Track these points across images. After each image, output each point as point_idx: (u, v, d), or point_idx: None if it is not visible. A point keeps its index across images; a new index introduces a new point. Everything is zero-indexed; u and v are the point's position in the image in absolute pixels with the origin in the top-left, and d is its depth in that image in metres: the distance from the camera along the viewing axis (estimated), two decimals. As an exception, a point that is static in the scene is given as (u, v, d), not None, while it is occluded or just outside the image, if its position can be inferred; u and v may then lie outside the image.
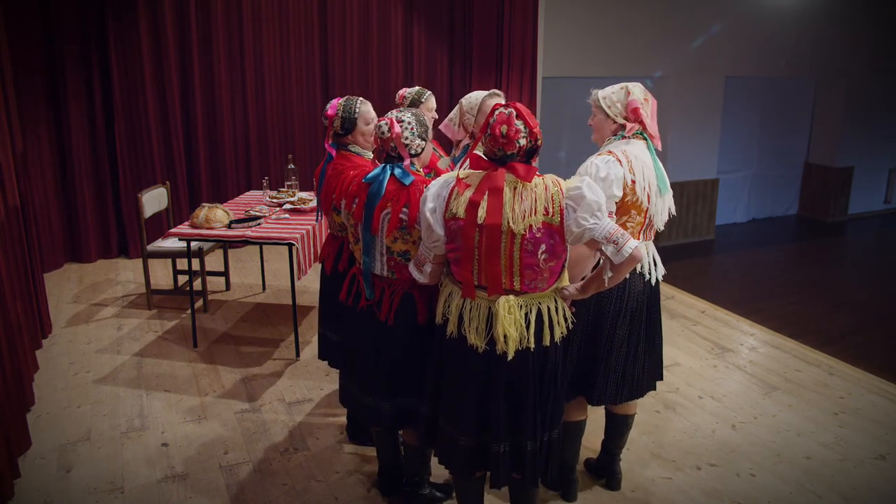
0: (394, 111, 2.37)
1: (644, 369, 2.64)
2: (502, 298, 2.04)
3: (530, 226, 1.98)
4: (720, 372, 3.97)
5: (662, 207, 2.51)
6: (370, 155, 2.80)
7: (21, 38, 5.08)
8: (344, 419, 3.32)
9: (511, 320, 2.03)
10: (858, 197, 10.02)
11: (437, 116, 3.33)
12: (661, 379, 2.78)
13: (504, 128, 2.01)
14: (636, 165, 2.39)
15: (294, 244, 3.71)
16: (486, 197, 2.02)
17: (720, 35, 8.07)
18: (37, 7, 5.26)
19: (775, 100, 9.45)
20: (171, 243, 4.59)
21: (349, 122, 2.71)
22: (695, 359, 4.14)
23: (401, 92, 3.31)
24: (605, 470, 2.88)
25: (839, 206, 9.91)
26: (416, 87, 3.29)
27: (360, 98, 2.80)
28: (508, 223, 1.99)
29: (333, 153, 2.73)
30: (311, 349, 4.11)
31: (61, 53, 5.42)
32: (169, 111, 5.87)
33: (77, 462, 2.99)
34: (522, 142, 2.02)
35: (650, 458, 3.08)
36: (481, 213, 2.01)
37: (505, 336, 2.03)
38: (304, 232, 3.83)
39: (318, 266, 4.89)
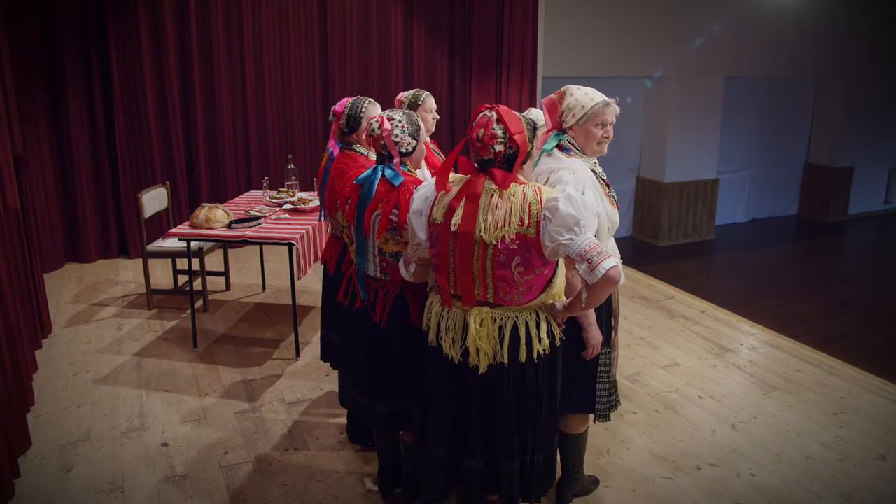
0: (387, 110, 2.38)
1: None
2: (474, 310, 1.95)
3: (503, 237, 1.85)
4: (720, 372, 3.97)
5: None
6: (374, 155, 2.80)
7: (21, 38, 5.08)
8: (344, 419, 3.32)
9: (483, 333, 1.94)
10: (858, 197, 10.02)
11: (438, 116, 3.34)
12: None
13: (481, 131, 1.89)
14: None
15: (294, 244, 3.71)
16: (462, 203, 1.93)
17: (720, 35, 8.07)
18: (36, 7, 5.26)
19: (775, 100, 9.45)
20: (171, 243, 4.59)
21: (354, 121, 2.71)
22: (695, 359, 4.14)
23: (398, 96, 3.32)
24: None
25: (839, 206, 9.90)
26: (414, 90, 3.29)
27: (370, 99, 2.81)
28: (480, 232, 1.88)
29: (336, 150, 2.73)
30: (311, 349, 4.11)
31: (61, 53, 5.42)
32: (169, 111, 5.87)
33: (77, 462, 2.99)
34: (499, 147, 1.88)
35: (650, 458, 3.08)
36: (456, 219, 1.92)
37: (478, 349, 1.95)
38: (304, 232, 3.83)
39: (319, 266, 4.90)
